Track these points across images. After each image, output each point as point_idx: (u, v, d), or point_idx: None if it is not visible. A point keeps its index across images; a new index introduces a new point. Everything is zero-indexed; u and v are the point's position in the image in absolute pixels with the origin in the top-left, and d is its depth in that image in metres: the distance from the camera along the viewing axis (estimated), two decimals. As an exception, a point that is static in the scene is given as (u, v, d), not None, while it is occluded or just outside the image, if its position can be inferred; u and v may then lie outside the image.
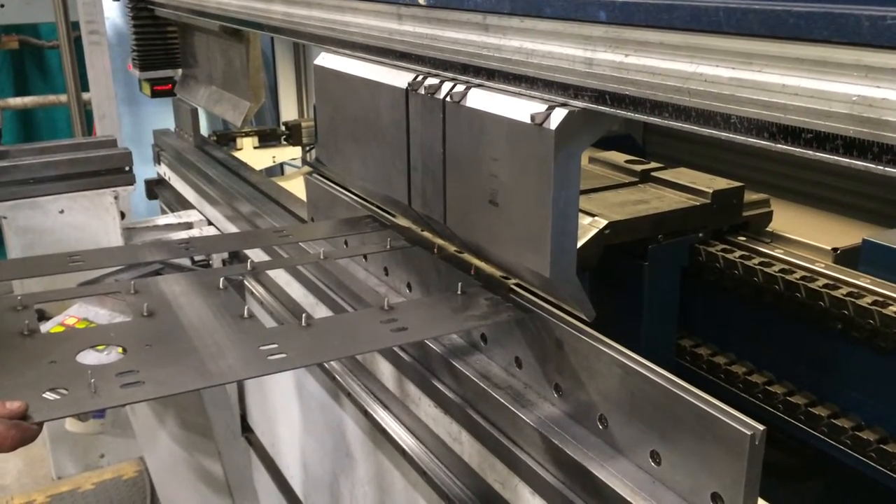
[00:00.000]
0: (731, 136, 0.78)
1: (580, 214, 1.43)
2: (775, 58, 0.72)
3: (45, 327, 1.61)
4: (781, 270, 1.39)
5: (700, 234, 1.54)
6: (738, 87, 0.75)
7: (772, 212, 1.65)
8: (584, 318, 1.12)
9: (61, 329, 1.58)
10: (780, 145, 0.73)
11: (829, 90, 0.68)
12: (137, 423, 1.93)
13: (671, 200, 1.57)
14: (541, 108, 1.00)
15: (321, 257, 1.46)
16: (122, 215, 2.51)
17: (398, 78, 1.29)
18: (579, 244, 1.38)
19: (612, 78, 0.90)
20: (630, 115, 0.89)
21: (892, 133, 0.64)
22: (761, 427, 0.85)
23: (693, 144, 3.00)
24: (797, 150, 0.72)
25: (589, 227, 1.43)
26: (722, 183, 1.59)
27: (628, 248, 1.49)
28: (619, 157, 1.78)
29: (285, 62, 4.60)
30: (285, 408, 2.27)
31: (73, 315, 1.63)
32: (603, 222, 1.44)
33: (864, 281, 1.32)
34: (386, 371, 1.49)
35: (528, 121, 1.01)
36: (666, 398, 0.94)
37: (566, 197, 1.02)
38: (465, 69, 1.15)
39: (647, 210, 1.51)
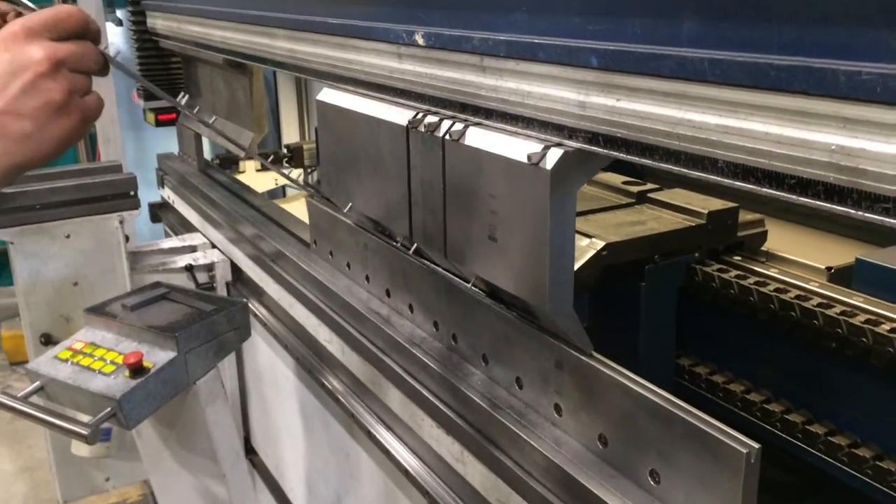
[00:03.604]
0: (719, 179, 0.80)
1: (578, 236, 1.45)
2: (759, 107, 0.74)
3: (53, 352, 1.63)
4: (776, 290, 1.41)
5: (696, 254, 1.57)
6: (725, 134, 0.78)
7: (766, 231, 1.67)
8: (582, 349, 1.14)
9: (69, 354, 1.60)
10: (765, 189, 0.76)
11: (810, 139, 0.70)
12: (143, 445, 1.94)
13: (667, 221, 1.59)
14: (537, 147, 1.02)
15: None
16: (127, 238, 2.53)
17: (399, 115, 1.33)
18: (577, 265, 1.41)
19: (604, 121, 0.93)
20: (622, 156, 0.92)
21: (869, 181, 0.66)
22: (756, 445, 0.87)
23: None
24: (782, 194, 0.74)
25: (587, 249, 1.46)
26: (717, 203, 1.62)
27: (625, 268, 1.51)
28: (615, 179, 1.81)
29: (287, 85, 4.66)
30: (288, 429, 2.28)
31: (81, 340, 1.65)
32: (600, 244, 1.46)
33: (857, 300, 1.34)
34: (389, 392, 1.51)
35: (524, 160, 1.03)
36: (663, 417, 0.96)
37: (562, 234, 1.05)
38: (464, 108, 1.18)
39: (644, 231, 1.54)
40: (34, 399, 1.54)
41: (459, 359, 1.36)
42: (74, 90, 0.95)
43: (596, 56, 0.90)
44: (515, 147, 1.06)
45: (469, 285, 1.28)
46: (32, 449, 4.13)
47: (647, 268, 1.50)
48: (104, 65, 1.02)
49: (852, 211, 0.69)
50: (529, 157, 1.02)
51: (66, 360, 1.58)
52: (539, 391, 1.18)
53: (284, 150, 3.27)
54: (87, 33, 1.00)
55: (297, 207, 2.47)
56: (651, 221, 1.60)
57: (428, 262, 1.41)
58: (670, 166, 0.85)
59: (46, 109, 0.91)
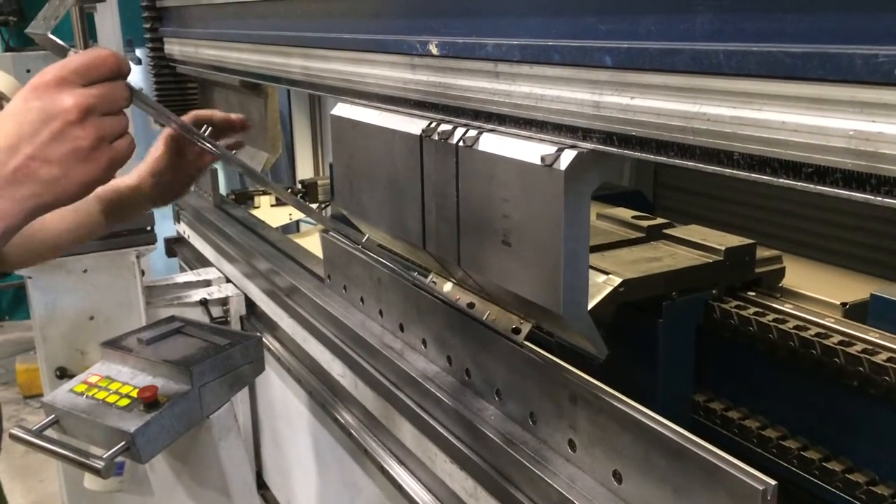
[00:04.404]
0: (734, 172, 0.80)
1: (593, 272, 1.45)
2: (774, 96, 0.74)
3: (68, 386, 1.64)
4: (796, 327, 1.40)
5: (714, 291, 1.55)
6: (740, 126, 0.78)
7: (784, 268, 1.66)
8: (596, 355, 1.14)
9: (84, 387, 1.61)
10: (782, 180, 0.75)
11: (827, 126, 0.70)
12: (156, 479, 1.94)
13: (684, 258, 1.58)
14: (550, 150, 1.02)
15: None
16: (142, 273, 2.55)
17: (412, 125, 1.33)
18: (594, 302, 1.40)
19: (618, 119, 0.93)
20: (637, 154, 0.91)
21: (888, 165, 0.66)
22: (773, 482, 0.86)
23: (703, 198, 3.03)
24: (799, 184, 0.74)
25: (603, 286, 1.45)
26: (734, 240, 1.61)
27: (642, 305, 1.50)
28: (626, 214, 1.81)
29: (301, 121, 4.71)
30: (301, 464, 2.27)
31: (96, 373, 1.65)
32: (617, 280, 1.45)
33: (876, 336, 1.32)
34: (402, 427, 1.51)
35: (538, 162, 1.03)
36: (679, 453, 0.95)
37: (576, 236, 1.04)
38: (477, 115, 1.19)
39: (661, 267, 1.53)
40: (49, 432, 1.54)
41: (473, 394, 1.35)
42: (103, 136, 0.97)
43: (610, 55, 0.91)
44: (529, 150, 1.06)
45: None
46: (44, 483, 4.12)
47: (665, 304, 1.49)
48: (131, 97, 1.04)
49: (871, 197, 0.67)
50: (543, 159, 1.02)
51: (81, 394, 1.59)
52: (553, 427, 1.18)
53: (299, 186, 3.30)
54: (120, 76, 1.01)
55: (312, 242, 2.49)
56: (667, 258, 1.59)
57: (441, 297, 1.42)
58: (685, 162, 0.84)
59: (74, 156, 0.94)
